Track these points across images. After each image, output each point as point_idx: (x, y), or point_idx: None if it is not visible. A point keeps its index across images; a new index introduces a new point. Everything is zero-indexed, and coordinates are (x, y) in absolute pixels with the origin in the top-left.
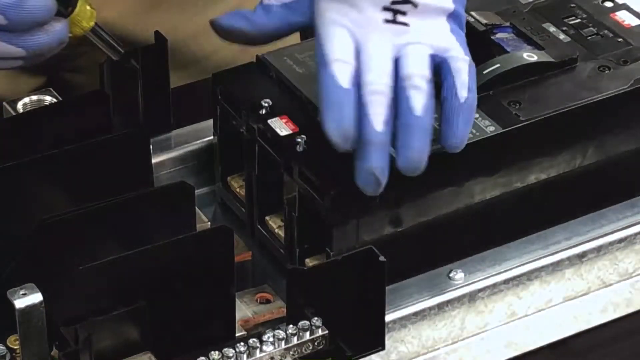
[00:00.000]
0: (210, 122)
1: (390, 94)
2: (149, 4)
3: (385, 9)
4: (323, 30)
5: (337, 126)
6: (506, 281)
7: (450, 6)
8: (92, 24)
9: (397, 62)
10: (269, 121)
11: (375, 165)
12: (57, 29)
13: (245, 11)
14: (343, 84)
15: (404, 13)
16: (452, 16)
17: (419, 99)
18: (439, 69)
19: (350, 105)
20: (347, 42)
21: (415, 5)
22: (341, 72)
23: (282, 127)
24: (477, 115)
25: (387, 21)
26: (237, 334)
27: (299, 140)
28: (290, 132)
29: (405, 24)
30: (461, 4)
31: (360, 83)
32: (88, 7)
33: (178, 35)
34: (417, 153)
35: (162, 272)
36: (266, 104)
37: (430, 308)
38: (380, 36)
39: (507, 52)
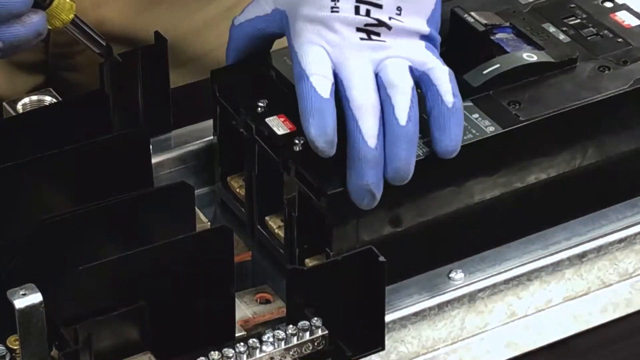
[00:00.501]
0: (210, 122)
1: (377, 107)
2: (148, 1)
3: (359, 29)
4: (300, 49)
5: (321, 132)
6: (506, 281)
7: (425, 29)
8: (71, 16)
9: (377, 76)
10: (267, 120)
11: (371, 182)
12: (35, 21)
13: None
14: (323, 94)
15: (377, 34)
16: (426, 37)
17: (404, 108)
18: (420, 83)
19: (332, 112)
20: (324, 60)
21: (389, 28)
22: (320, 85)
23: (279, 125)
24: (477, 115)
25: (363, 39)
26: (237, 334)
27: (297, 140)
28: (288, 131)
29: (382, 41)
30: (435, 28)
31: (346, 99)
32: (67, 0)
33: (178, 33)
34: (404, 163)
35: (162, 272)
36: (264, 103)
37: (430, 308)
38: (359, 53)
39: (507, 52)
